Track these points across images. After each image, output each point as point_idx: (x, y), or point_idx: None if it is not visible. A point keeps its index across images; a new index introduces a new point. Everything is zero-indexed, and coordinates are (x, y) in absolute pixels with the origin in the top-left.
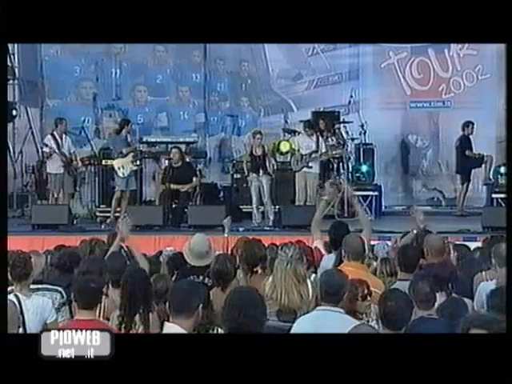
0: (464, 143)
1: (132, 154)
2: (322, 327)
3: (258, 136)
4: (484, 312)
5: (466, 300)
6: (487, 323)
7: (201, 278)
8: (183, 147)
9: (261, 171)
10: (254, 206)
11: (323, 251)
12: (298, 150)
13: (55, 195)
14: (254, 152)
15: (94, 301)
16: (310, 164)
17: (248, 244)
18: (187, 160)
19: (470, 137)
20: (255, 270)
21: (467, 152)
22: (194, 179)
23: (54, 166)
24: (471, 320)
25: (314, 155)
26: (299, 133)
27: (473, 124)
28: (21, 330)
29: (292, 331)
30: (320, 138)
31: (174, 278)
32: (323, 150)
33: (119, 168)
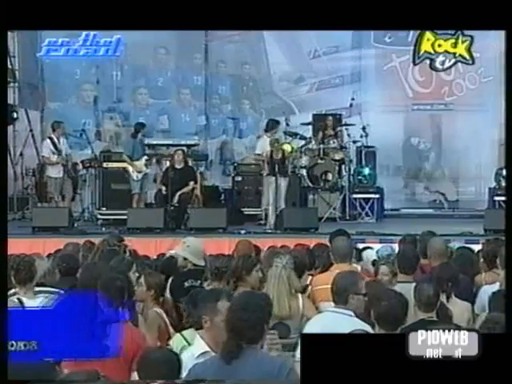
0: None
1: (145, 157)
2: (329, 328)
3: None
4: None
5: (466, 303)
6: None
7: (198, 282)
8: (184, 150)
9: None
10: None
11: None
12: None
13: (56, 198)
14: (273, 155)
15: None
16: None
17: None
18: (189, 164)
19: None
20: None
21: None
22: (191, 183)
23: (53, 171)
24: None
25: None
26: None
27: None
28: None
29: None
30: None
31: (169, 283)
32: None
33: (133, 171)
